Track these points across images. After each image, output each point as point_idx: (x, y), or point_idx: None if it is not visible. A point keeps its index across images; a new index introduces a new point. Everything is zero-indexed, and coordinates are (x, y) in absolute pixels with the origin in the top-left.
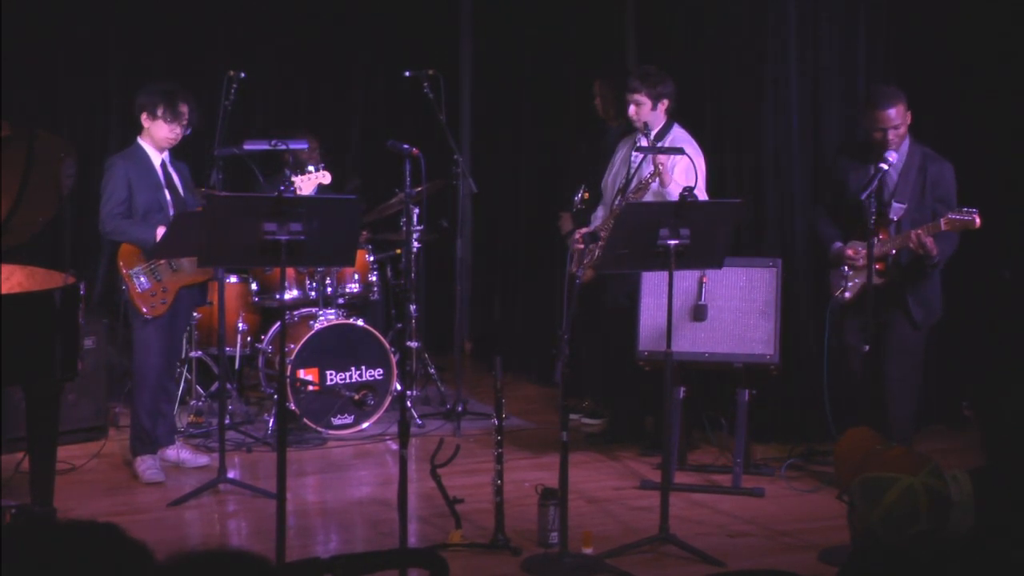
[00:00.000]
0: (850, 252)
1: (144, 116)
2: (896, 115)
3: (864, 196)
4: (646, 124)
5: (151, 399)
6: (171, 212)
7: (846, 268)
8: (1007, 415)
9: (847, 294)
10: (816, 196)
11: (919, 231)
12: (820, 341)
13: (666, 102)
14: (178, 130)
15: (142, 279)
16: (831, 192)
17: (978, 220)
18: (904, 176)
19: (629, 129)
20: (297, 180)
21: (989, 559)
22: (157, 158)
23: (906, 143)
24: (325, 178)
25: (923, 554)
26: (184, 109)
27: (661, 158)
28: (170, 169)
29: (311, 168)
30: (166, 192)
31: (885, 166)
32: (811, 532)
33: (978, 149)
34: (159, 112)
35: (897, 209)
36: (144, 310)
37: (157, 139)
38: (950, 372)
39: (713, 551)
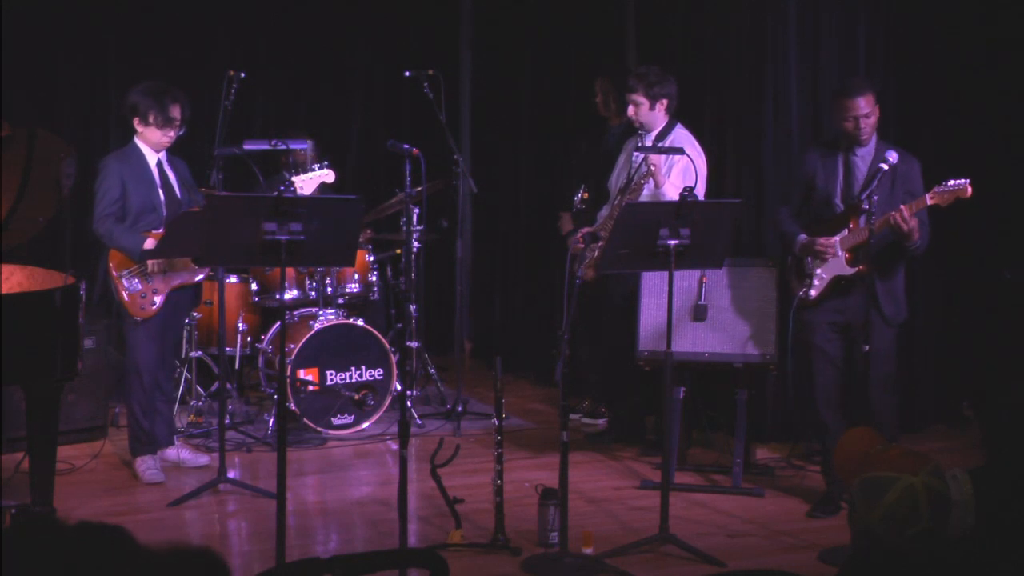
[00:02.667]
0: (822, 241)
1: (136, 121)
2: (866, 104)
3: (864, 196)
4: (649, 124)
5: (146, 398)
6: (164, 212)
7: (810, 261)
8: (1007, 415)
9: (812, 292)
10: (780, 199)
11: (903, 207)
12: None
13: (665, 102)
14: (171, 133)
15: (133, 281)
16: (798, 190)
17: (970, 189)
18: (873, 170)
19: (631, 128)
20: (298, 180)
21: (989, 559)
22: (153, 158)
23: (874, 139)
24: (328, 177)
25: (923, 554)
26: (176, 113)
27: (653, 159)
28: (166, 168)
29: (315, 167)
30: (160, 192)
31: (885, 166)
32: (811, 532)
33: (978, 148)
34: (151, 119)
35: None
36: (134, 313)
37: (150, 142)
38: (950, 372)
39: (713, 551)
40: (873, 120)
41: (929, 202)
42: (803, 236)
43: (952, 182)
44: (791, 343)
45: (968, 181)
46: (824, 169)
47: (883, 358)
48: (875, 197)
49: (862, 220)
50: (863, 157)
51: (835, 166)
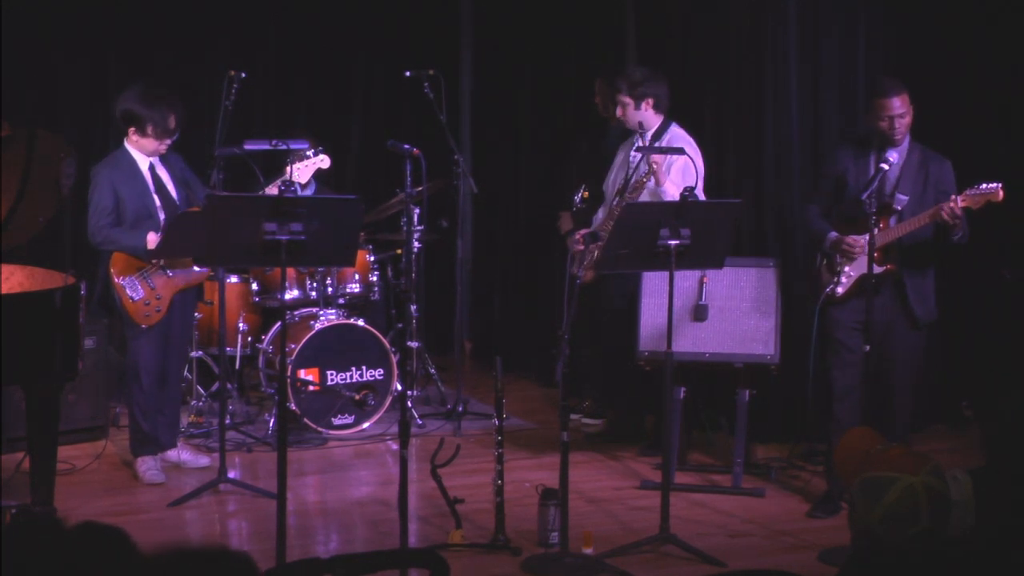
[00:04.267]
0: (850, 240)
1: (132, 131)
2: (901, 104)
3: (865, 196)
4: (641, 124)
5: (145, 400)
6: (161, 217)
7: (838, 259)
8: (1007, 415)
9: (839, 289)
10: (808, 196)
11: (956, 197)
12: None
13: (651, 101)
14: (168, 141)
15: (136, 286)
16: (826, 187)
17: (1002, 193)
18: (906, 170)
19: (628, 130)
20: (294, 168)
21: (989, 559)
22: (144, 162)
23: (906, 139)
24: (324, 163)
25: (923, 554)
26: (173, 123)
27: (656, 157)
28: (159, 171)
29: (309, 153)
30: (155, 197)
31: (886, 166)
32: (811, 532)
33: (978, 148)
34: (149, 130)
35: (901, 200)
36: (139, 321)
37: (146, 150)
38: (950, 372)
39: (713, 551)
40: (908, 120)
41: (960, 204)
42: (833, 234)
43: (984, 185)
44: (815, 339)
45: (1000, 185)
46: (856, 168)
47: (911, 360)
48: (901, 195)
49: (892, 220)
50: (896, 162)
51: (868, 166)
